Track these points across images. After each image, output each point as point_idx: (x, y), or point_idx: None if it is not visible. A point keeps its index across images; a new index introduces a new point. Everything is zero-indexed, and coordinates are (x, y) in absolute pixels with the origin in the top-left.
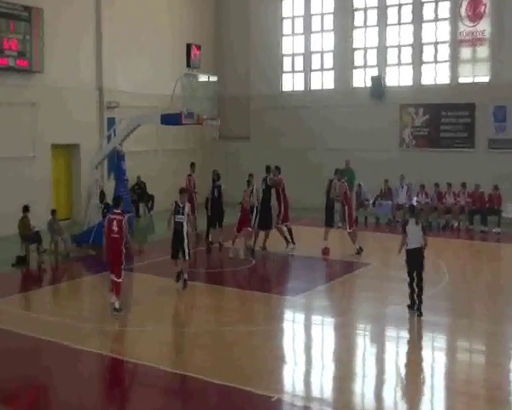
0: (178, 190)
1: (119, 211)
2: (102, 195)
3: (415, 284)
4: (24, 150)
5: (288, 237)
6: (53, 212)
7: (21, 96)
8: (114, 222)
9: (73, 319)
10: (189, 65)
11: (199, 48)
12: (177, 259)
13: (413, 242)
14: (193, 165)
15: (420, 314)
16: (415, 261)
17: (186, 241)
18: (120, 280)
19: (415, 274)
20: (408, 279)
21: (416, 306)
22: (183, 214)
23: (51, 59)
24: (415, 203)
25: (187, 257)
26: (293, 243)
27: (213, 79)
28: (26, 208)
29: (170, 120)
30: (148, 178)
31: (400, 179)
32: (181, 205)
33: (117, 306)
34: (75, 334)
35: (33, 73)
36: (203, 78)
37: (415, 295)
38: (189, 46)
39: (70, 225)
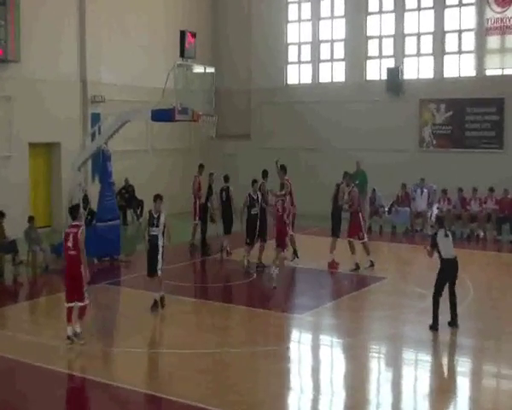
0: (153, 198)
1: (75, 223)
2: (86, 200)
3: (449, 295)
4: None
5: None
6: (30, 219)
7: None
8: (70, 237)
9: (52, 338)
10: (182, 54)
11: (194, 35)
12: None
13: (447, 252)
14: (201, 166)
15: (456, 327)
16: (451, 271)
17: (160, 255)
18: (86, 303)
19: (447, 286)
20: (434, 291)
21: (450, 320)
22: (157, 226)
23: (29, 47)
24: (435, 211)
25: (159, 272)
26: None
27: (210, 70)
28: (1, 215)
29: (161, 116)
30: (137, 181)
31: (419, 183)
32: (155, 215)
33: (78, 330)
34: (54, 355)
35: (8, 63)
36: (198, 69)
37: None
38: (182, 33)
39: (49, 234)
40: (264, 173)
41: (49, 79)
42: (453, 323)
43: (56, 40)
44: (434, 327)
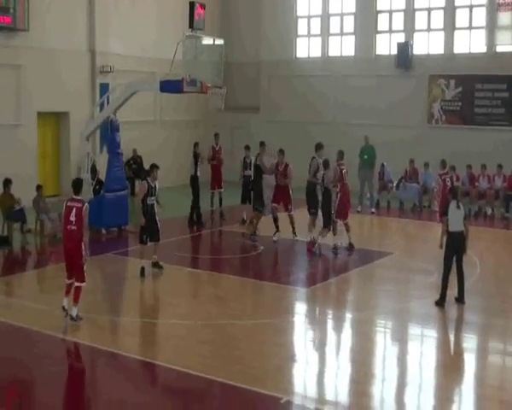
0: (149, 167)
1: (78, 198)
2: (94, 170)
3: (456, 270)
4: (6, 118)
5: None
6: (38, 187)
7: (4, 58)
8: (73, 211)
9: (59, 306)
10: (191, 26)
11: (203, 6)
12: (145, 245)
13: (455, 225)
14: (216, 135)
15: (462, 303)
16: (456, 245)
17: (158, 222)
18: (83, 284)
19: (454, 259)
20: (444, 267)
21: (457, 296)
22: (154, 195)
23: (38, 16)
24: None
25: (160, 238)
26: (278, 231)
27: (219, 42)
28: (7, 182)
29: (170, 87)
30: (144, 151)
31: (424, 167)
32: (152, 184)
33: (73, 314)
34: (62, 323)
35: (17, 32)
36: (208, 41)
37: (448, 288)
38: (192, 4)
39: (58, 203)
40: (261, 144)
41: (58, 48)
42: (459, 299)
43: (65, 10)
44: (441, 303)
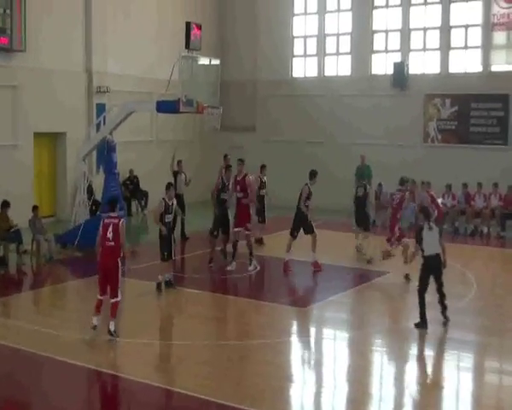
0: (165, 186)
1: (115, 215)
2: (90, 190)
3: (436, 290)
4: (3, 138)
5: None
6: (35, 208)
7: (1, 78)
8: (110, 227)
9: (56, 328)
10: (188, 46)
11: (199, 27)
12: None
13: (430, 248)
14: (225, 157)
15: (446, 320)
16: (432, 268)
17: (172, 240)
18: (118, 299)
19: (432, 279)
20: (418, 288)
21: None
22: (171, 213)
23: (35, 37)
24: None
25: (173, 257)
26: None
27: (215, 62)
28: (4, 203)
29: (166, 107)
30: (141, 172)
31: (421, 187)
32: (169, 203)
33: (112, 329)
34: (58, 345)
35: (14, 53)
36: (204, 61)
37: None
38: (188, 25)
39: (54, 224)
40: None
41: (55, 68)
42: (443, 315)
43: (62, 30)
44: (422, 326)
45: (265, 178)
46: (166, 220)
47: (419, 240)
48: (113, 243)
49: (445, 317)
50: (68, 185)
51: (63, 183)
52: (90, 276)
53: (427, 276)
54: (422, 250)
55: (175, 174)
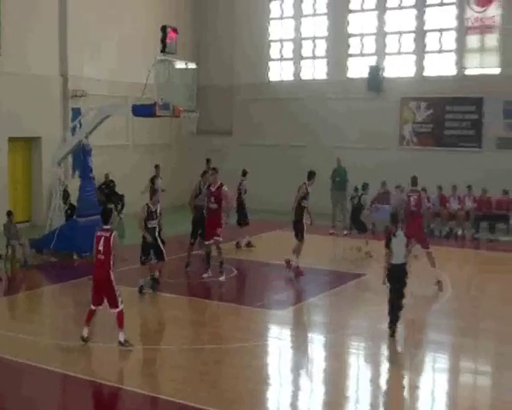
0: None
1: (107, 227)
2: (66, 194)
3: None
4: None
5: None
6: (9, 213)
7: None
8: (101, 240)
9: (32, 334)
10: (164, 50)
11: (175, 31)
12: (149, 262)
13: (396, 257)
14: (208, 161)
15: (392, 334)
16: (397, 277)
17: (160, 242)
18: (120, 309)
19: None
20: (389, 299)
21: (390, 324)
22: (155, 218)
23: (8, 40)
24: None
25: (165, 257)
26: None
27: (192, 65)
28: None
29: (142, 111)
30: (117, 176)
31: (395, 189)
32: (153, 208)
33: (121, 339)
34: (33, 351)
35: None
36: (180, 64)
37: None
38: (164, 29)
39: (29, 229)
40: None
41: (29, 73)
42: (390, 326)
43: (37, 34)
44: (389, 326)
45: (245, 182)
46: (149, 226)
47: (388, 244)
48: (103, 257)
49: (393, 330)
50: (44, 190)
51: (38, 187)
52: (66, 281)
53: (395, 285)
54: (390, 258)
55: (152, 179)
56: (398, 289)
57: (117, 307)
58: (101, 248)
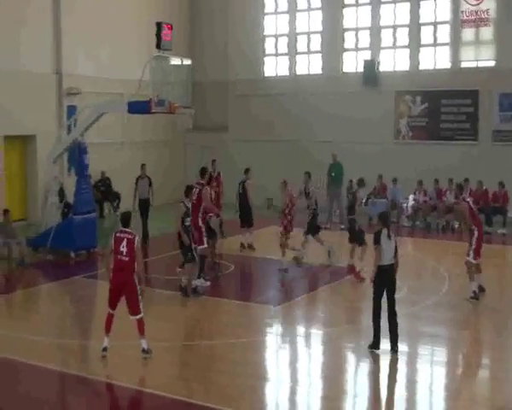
0: (185, 188)
1: (129, 230)
2: (62, 192)
3: (388, 309)
4: None
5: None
6: (5, 212)
7: None
8: (124, 242)
9: (28, 332)
10: (159, 46)
11: (170, 27)
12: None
13: (387, 257)
14: (214, 161)
15: (395, 351)
16: (387, 280)
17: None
18: (141, 316)
19: (385, 297)
20: (373, 305)
21: (389, 342)
22: (190, 216)
23: (3, 38)
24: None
25: (196, 258)
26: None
27: (187, 62)
28: None
29: (138, 108)
30: (113, 173)
31: (392, 183)
32: (188, 206)
33: (145, 347)
34: (30, 349)
35: None
36: (175, 61)
37: (383, 330)
38: (159, 25)
39: (25, 227)
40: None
41: (23, 70)
42: (392, 346)
43: (31, 31)
44: (375, 346)
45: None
46: (186, 224)
47: (377, 243)
48: (126, 258)
49: (395, 346)
50: (39, 188)
51: (34, 186)
52: (63, 279)
53: (382, 290)
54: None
55: (137, 179)
56: (390, 294)
57: (138, 313)
58: (123, 249)
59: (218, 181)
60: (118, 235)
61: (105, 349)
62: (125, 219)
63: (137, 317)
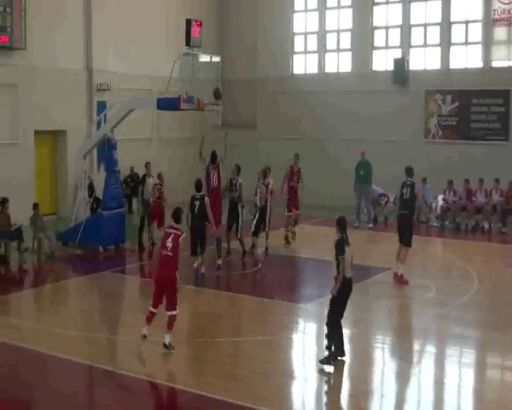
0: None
1: (177, 226)
2: (91, 187)
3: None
4: (3, 136)
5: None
6: (35, 206)
7: (1, 76)
8: (170, 237)
9: (58, 325)
10: (188, 43)
11: (200, 24)
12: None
13: (348, 268)
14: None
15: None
16: (349, 291)
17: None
18: (176, 312)
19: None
20: (333, 317)
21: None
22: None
23: (35, 35)
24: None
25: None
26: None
27: (216, 59)
28: (4, 201)
29: (167, 104)
30: (142, 169)
31: (422, 183)
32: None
33: (167, 342)
34: (59, 342)
35: (15, 51)
36: (204, 58)
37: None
38: (188, 22)
39: (55, 221)
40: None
41: (55, 66)
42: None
43: (62, 28)
44: (340, 354)
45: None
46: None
47: (341, 252)
48: (170, 254)
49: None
50: (69, 183)
51: (64, 180)
52: (91, 273)
53: (345, 303)
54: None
55: (143, 177)
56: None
57: (174, 309)
58: (169, 244)
59: (298, 176)
60: (167, 230)
61: (144, 336)
62: (177, 215)
63: (173, 313)
